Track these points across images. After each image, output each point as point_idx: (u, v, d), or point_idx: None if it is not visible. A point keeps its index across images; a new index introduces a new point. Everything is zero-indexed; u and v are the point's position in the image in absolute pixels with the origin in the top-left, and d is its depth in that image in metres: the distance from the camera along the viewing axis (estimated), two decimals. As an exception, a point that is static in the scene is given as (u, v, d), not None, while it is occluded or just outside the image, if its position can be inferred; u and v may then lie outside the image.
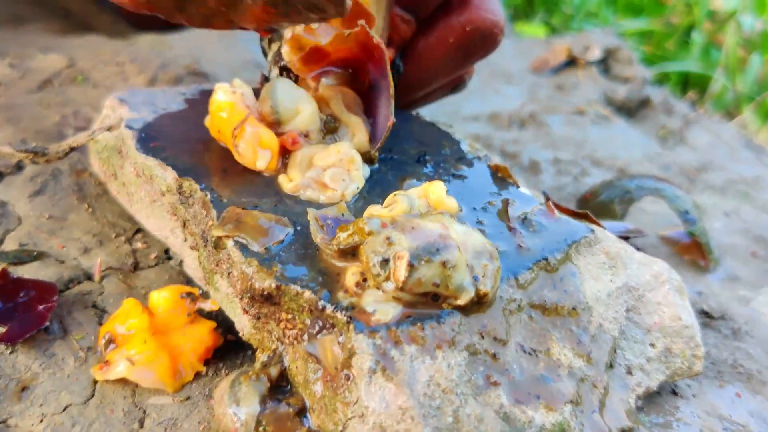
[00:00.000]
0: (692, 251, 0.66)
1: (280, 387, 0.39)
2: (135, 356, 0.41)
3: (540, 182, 0.80)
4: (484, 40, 0.52)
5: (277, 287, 0.38)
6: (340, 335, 0.37)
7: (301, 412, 0.38)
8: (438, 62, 0.53)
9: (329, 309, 0.37)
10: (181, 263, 0.49)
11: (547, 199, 0.49)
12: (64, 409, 0.40)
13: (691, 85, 1.43)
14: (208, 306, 0.44)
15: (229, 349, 0.45)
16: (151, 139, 0.49)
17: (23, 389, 0.41)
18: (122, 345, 0.42)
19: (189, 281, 0.49)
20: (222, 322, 0.45)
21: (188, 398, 0.41)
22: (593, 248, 0.46)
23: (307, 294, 0.38)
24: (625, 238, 0.51)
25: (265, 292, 0.39)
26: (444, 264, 0.37)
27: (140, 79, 0.80)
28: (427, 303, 0.38)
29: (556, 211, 0.47)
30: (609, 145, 0.92)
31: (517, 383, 0.38)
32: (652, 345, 0.45)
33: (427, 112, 0.63)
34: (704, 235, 0.64)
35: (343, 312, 0.37)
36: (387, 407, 0.35)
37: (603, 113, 1.03)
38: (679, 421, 0.45)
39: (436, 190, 0.44)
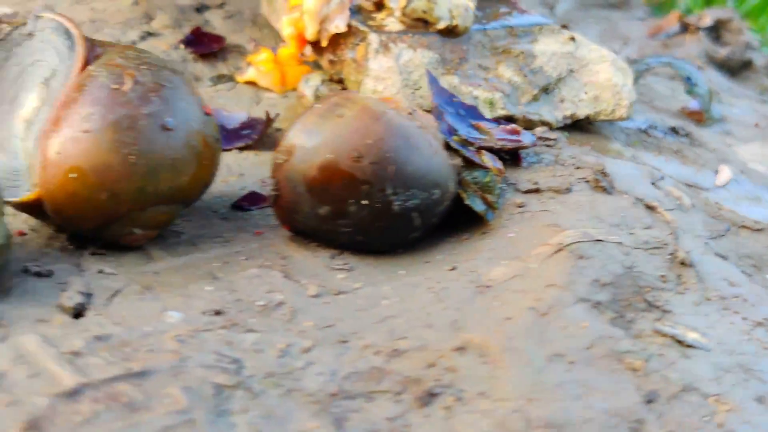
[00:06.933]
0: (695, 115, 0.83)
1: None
2: (261, 67, 0.70)
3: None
4: None
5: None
6: (364, 40, 0.63)
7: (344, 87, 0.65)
8: None
9: (361, 27, 0.64)
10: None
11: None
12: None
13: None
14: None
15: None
16: None
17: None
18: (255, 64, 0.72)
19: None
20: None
21: (286, 95, 0.70)
22: (556, 35, 0.68)
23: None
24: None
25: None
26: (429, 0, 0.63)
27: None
28: (419, 27, 0.63)
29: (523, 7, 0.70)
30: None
31: (468, 76, 0.62)
32: (585, 93, 0.66)
33: None
34: (706, 96, 0.82)
35: (368, 28, 0.64)
36: (381, 68, 0.61)
37: (698, 65, 1.19)
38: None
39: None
